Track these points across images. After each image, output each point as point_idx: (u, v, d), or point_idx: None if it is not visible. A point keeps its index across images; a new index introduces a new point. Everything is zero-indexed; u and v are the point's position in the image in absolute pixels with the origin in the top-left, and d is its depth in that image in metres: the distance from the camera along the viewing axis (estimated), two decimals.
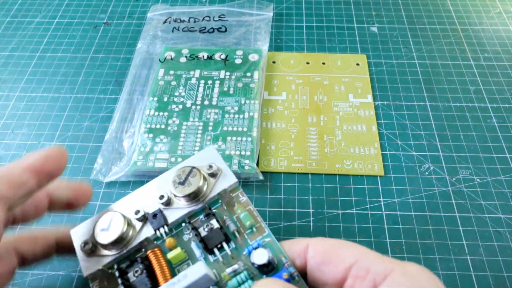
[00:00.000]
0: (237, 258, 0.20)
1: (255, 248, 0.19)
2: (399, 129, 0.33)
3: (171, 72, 0.36)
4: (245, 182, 0.30)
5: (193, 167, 0.21)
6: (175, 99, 0.34)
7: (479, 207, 0.28)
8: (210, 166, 0.22)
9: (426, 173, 0.30)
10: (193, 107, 0.33)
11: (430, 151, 0.31)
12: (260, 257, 0.18)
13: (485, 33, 0.40)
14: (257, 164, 0.30)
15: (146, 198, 0.22)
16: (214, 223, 0.20)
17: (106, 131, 0.33)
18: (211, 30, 0.40)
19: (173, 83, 0.35)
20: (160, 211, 0.21)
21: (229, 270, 0.19)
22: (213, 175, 0.22)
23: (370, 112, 0.34)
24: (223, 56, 0.37)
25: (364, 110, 0.34)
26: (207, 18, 0.41)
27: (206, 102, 0.33)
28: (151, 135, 0.31)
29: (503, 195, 0.29)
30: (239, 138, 0.31)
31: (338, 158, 0.31)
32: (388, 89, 0.35)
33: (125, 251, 0.20)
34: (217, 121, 0.32)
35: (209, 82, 0.35)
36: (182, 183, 0.21)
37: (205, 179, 0.21)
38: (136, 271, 0.20)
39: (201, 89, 0.34)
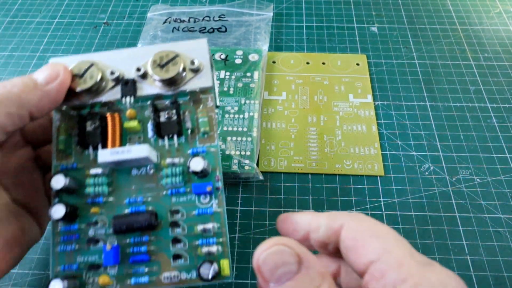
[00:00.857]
0: (181, 152, 0.21)
1: (197, 154, 0.21)
2: (399, 129, 0.33)
3: None
4: (245, 182, 0.30)
5: (177, 55, 0.21)
6: None
7: (479, 207, 0.28)
8: (193, 62, 0.21)
9: (426, 173, 0.30)
10: None
11: (430, 151, 0.31)
12: (196, 164, 0.20)
13: (485, 33, 0.40)
14: (257, 164, 0.30)
15: (124, 62, 0.22)
16: (175, 114, 0.21)
17: None
18: (211, 30, 0.40)
19: None
20: (134, 81, 0.21)
21: (169, 160, 0.21)
22: (193, 70, 0.22)
23: (370, 112, 0.34)
24: (223, 56, 0.37)
25: (364, 110, 0.34)
26: (207, 18, 0.41)
27: None
28: None
29: (503, 195, 0.29)
30: (239, 138, 0.31)
31: (338, 158, 0.31)
32: (388, 89, 0.35)
33: (90, 102, 0.21)
34: (217, 121, 0.32)
35: None
36: (161, 66, 0.21)
37: (184, 70, 0.21)
38: (94, 123, 0.21)
39: None
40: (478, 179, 0.30)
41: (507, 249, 0.27)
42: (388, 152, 0.31)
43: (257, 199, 0.29)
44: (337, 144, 0.32)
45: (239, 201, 0.29)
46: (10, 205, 0.22)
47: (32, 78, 0.21)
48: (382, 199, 0.29)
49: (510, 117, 0.33)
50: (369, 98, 0.35)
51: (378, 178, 0.30)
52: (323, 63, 0.37)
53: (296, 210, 0.29)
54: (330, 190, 0.30)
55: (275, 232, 0.28)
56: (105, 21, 0.42)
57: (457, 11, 0.42)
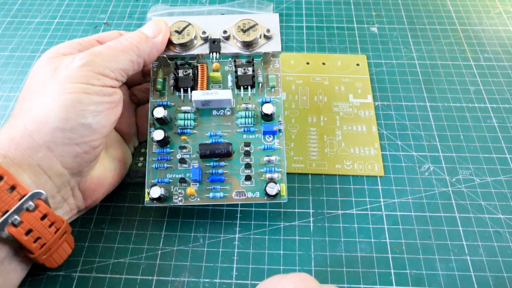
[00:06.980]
0: (252, 100, 0.27)
1: (267, 102, 0.26)
2: (399, 130, 0.33)
3: None
4: None
5: (257, 24, 0.27)
6: None
7: (479, 208, 0.28)
8: (268, 30, 0.27)
9: (426, 174, 0.30)
10: None
11: (430, 151, 0.31)
12: (267, 108, 0.26)
13: (485, 33, 0.40)
14: None
15: (213, 25, 0.27)
16: (250, 70, 0.27)
17: None
18: None
19: None
20: (220, 40, 0.27)
21: (243, 105, 0.27)
22: (267, 37, 0.27)
23: (370, 113, 0.34)
24: None
25: (364, 110, 0.34)
26: None
27: None
28: None
29: (503, 195, 0.29)
30: None
31: (338, 159, 0.31)
32: (388, 89, 0.36)
33: (184, 54, 0.27)
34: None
35: None
36: (244, 31, 0.27)
37: (260, 36, 0.27)
38: (185, 71, 0.27)
39: None
40: (478, 180, 0.30)
41: (507, 250, 0.27)
42: (388, 153, 0.31)
43: None
44: (337, 145, 0.32)
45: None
46: (116, 132, 0.28)
47: (143, 32, 0.25)
48: (382, 200, 0.29)
49: (510, 118, 0.33)
50: (369, 98, 0.35)
51: (378, 178, 0.30)
52: (323, 64, 0.37)
53: (296, 210, 0.29)
54: (330, 191, 0.30)
55: (275, 233, 0.28)
56: (105, 21, 0.42)
57: (457, 11, 0.42)
